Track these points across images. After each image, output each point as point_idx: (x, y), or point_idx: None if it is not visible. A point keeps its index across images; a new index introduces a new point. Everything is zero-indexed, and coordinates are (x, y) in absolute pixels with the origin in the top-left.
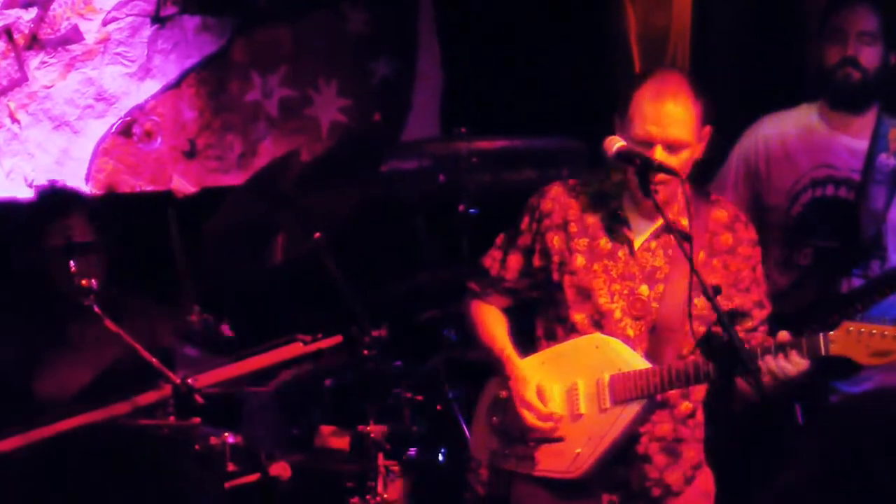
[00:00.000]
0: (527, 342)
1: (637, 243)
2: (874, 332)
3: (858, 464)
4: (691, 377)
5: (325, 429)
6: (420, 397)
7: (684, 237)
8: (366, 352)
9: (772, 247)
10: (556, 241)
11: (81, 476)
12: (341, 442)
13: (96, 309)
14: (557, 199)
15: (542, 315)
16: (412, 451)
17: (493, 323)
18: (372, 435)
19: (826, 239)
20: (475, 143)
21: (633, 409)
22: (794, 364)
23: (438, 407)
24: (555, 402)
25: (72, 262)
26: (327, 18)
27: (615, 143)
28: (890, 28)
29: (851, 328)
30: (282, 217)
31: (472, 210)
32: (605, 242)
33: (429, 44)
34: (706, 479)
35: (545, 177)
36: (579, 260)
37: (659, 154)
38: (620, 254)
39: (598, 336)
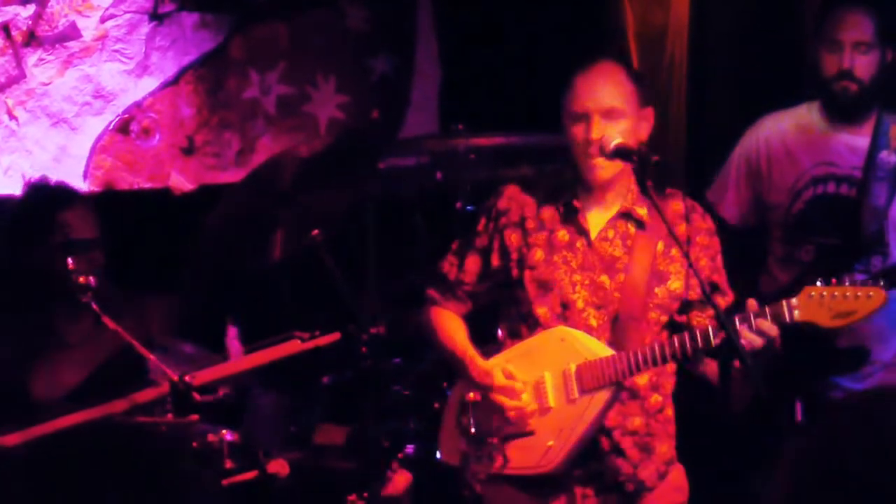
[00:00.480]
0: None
1: (594, 233)
2: (836, 293)
3: (847, 465)
4: (658, 358)
5: (324, 426)
6: (418, 395)
7: (639, 225)
8: (364, 349)
9: (773, 244)
10: (513, 238)
11: (79, 473)
12: (339, 439)
13: (94, 306)
14: (514, 197)
15: (503, 317)
16: (410, 448)
17: (452, 328)
18: (370, 432)
19: (827, 236)
20: (473, 139)
21: (601, 398)
22: (763, 331)
23: (436, 404)
24: (524, 396)
25: (70, 260)
26: (325, 15)
27: (612, 140)
28: (885, 27)
29: (813, 292)
30: (280, 214)
31: (469, 207)
32: (563, 234)
33: (427, 40)
34: (678, 475)
35: (542, 173)
36: (538, 254)
37: (596, 124)
38: (579, 244)
39: (561, 329)
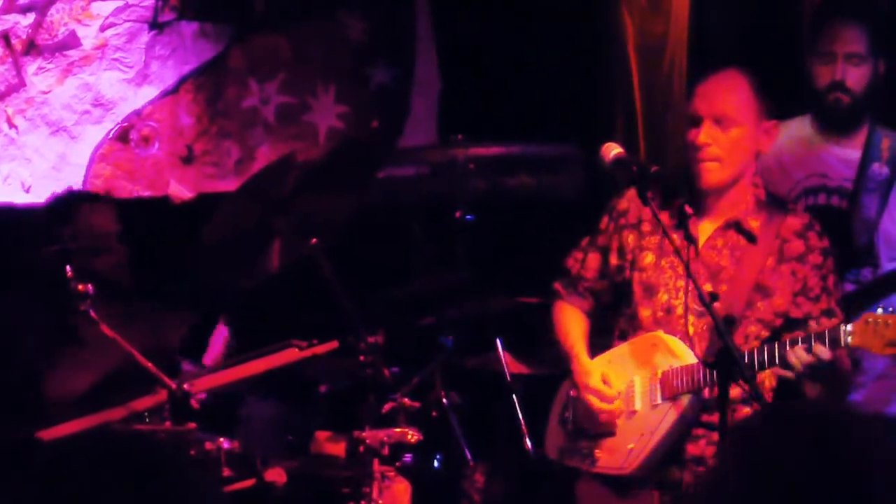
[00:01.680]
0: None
1: (702, 240)
2: (889, 321)
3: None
4: (742, 366)
5: (321, 434)
6: (416, 404)
7: (749, 238)
8: (362, 358)
9: None
10: (630, 239)
11: (77, 481)
12: (337, 448)
13: (92, 314)
14: (634, 198)
15: (617, 315)
16: (408, 457)
17: (568, 323)
18: (368, 441)
19: None
20: (472, 149)
21: (680, 405)
22: (815, 354)
23: (434, 413)
24: (616, 402)
25: (68, 267)
26: (325, 26)
27: (612, 150)
28: (877, 38)
29: (870, 319)
30: (278, 222)
31: (468, 216)
32: (674, 239)
33: (426, 51)
34: None
35: (541, 183)
36: (649, 257)
37: (705, 129)
38: (688, 250)
39: (655, 334)
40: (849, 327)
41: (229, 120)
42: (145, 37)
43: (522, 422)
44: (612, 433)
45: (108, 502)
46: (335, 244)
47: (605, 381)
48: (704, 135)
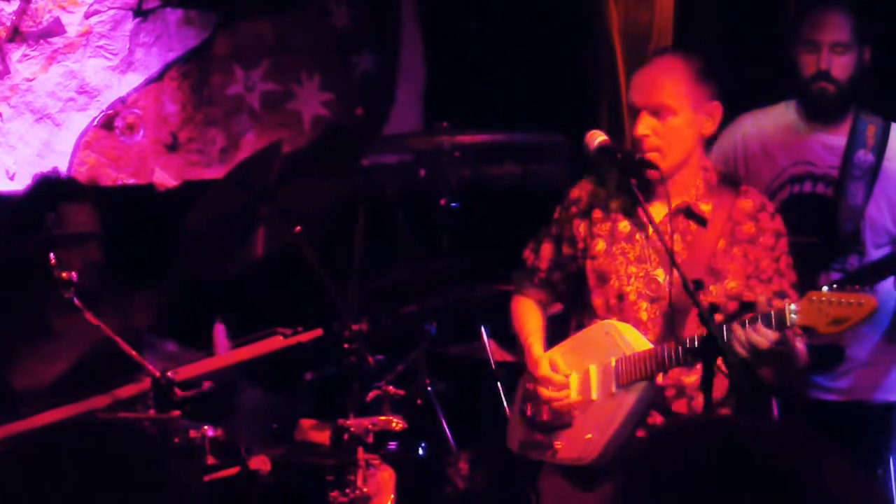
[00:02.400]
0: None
1: (653, 226)
2: (832, 299)
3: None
4: (681, 357)
5: (306, 422)
6: (401, 391)
7: (699, 221)
8: (346, 345)
9: None
10: (581, 227)
11: (60, 470)
12: (321, 436)
13: (76, 301)
14: (586, 186)
15: (573, 306)
16: (392, 445)
17: (524, 315)
18: (352, 429)
19: (805, 234)
20: (457, 137)
21: (635, 392)
22: (763, 335)
23: (419, 401)
24: (573, 388)
25: (52, 255)
26: (310, 12)
27: (597, 138)
28: (862, 26)
29: (814, 297)
30: (262, 210)
31: (453, 204)
32: (624, 226)
33: (412, 38)
34: None
35: (526, 171)
36: (600, 244)
37: (642, 120)
38: (638, 237)
39: (608, 322)
40: (794, 307)
41: (214, 107)
42: (130, 24)
43: (507, 409)
44: (569, 424)
45: (90, 490)
46: (319, 232)
47: (553, 368)
48: (642, 126)
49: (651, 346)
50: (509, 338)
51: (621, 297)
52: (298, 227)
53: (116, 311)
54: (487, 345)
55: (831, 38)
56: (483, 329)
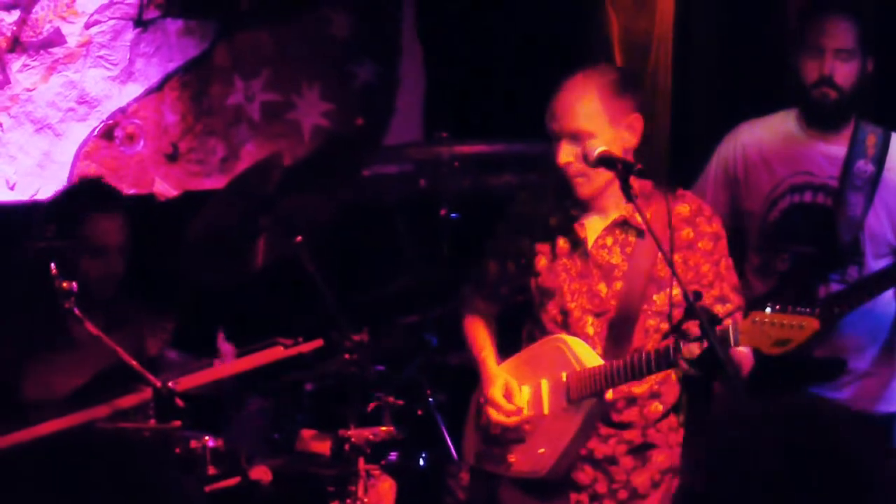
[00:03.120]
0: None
1: (591, 241)
2: (775, 321)
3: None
4: (635, 370)
5: (306, 433)
6: (401, 402)
7: (637, 233)
8: (346, 356)
9: (750, 253)
10: (524, 243)
11: (60, 480)
12: (322, 446)
13: (76, 311)
14: (527, 202)
15: (525, 318)
16: (393, 455)
17: (475, 330)
18: (353, 439)
19: (804, 245)
20: (456, 147)
21: (585, 407)
22: (693, 355)
23: (419, 411)
24: (524, 403)
25: (52, 265)
26: (310, 23)
27: (597, 148)
28: (866, 35)
29: (756, 318)
30: (263, 220)
31: (452, 214)
32: (563, 242)
33: (411, 48)
34: (675, 485)
35: (526, 181)
36: (542, 261)
37: (563, 148)
38: (577, 252)
39: (560, 336)
40: (739, 325)
41: (214, 118)
42: (130, 34)
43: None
44: (522, 439)
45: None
46: (319, 242)
47: (508, 393)
48: (563, 154)
49: (601, 361)
50: (508, 348)
51: (566, 312)
52: (299, 238)
53: (129, 336)
54: None
55: (836, 44)
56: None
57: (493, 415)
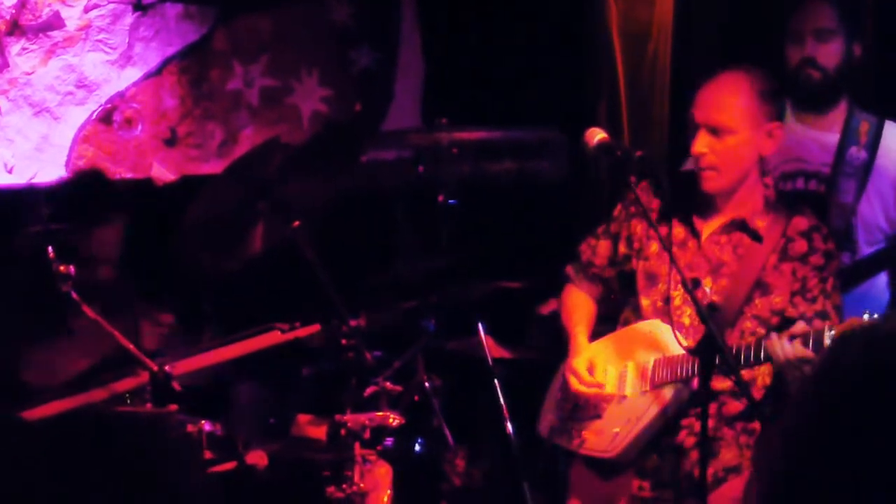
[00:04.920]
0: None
1: (705, 235)
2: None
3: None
4: (721, 363)
5: (303, 418)
6: (398, 387)
7: (754, 237)
8: (344, 341)
9: None
10: (638, 228)
11: (57, 463)
12: (318, 431)
13: (74, 295)
14: (646, 188)
15: (624, 304)
16: (389, 440)
17: (573, 305)
18: (349, 424)
19: None
20: (455, 133)
21: (667, 393)
22: (797, 352)
23: (416, 397)
24: (609, 383)
25: (50, 248)
26: (309, 8)
27: (596, 135)
28: (851, 19)
29: (856, 323)
30: (261, 205)
31: (451, 201)
32: (678, 231)
33: (410, 34)
34: (738, 485)
35: (525, 168)
36: (653, 247)
37: (700, 138)
38: (690, 244)
39: (652, 322)
40: (832, 331)
41: (213, 102)
42: (129, 18)
43: (504, 406)
44: (599, 416)
45: (88, 483)
46: (318, 227)
47: (590, 369)
48: (700, 144)
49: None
50: (506, 334)
51: (667, 300)
52: (297, 223)
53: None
54: (485, 341)
55: (814, 24)
56: (480, 326)
57: (574, 383)
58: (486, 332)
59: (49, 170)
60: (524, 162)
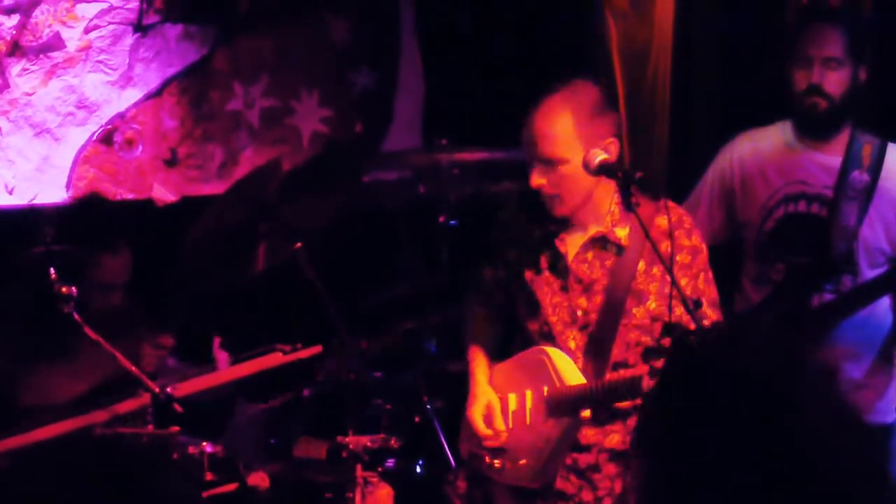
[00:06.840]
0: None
1: (571, 255)
2: None
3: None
4: (607, 396)
5: (304, 439)
6: (399, 409)
7: (617, 249)
8: (345, 362)
9: (747, 262)
10: (511, 254)
11: (58, 485)
12: (320, 452)
13: (76, 316)
14: (514, 210)
15: (515, 325)
16: (390, 462)
17: (471, 337)
18: (351, 446)
19: (798, 255)
20: (456, 154)
21: (564, 422)
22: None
23: (417, 418)
24: (501, 426)
25: (52, 269)
26: (309, 28)
27: (597, 157)
28: (857, 45)
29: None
30: (262, 226)
31: (452, 221)
32: (547, 255)
33: (411, 55)
34: None
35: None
36: (528, 273)
37: (535, 172)
38: (559, 266)
39: (544, 349)
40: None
41: (213, 123)
42: (129, 39)
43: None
44: (506, 449)
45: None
46: (319, 248)
47: (488, 416)
48: (535, 178)
49: (581, 377)
50: (506, 355)
51: (549, 325)
52: (298, 244)
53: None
54: None
55: (824, 52)
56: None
57: (480, 429)
58: None
59: (50, 191)
60: (524, 182)
